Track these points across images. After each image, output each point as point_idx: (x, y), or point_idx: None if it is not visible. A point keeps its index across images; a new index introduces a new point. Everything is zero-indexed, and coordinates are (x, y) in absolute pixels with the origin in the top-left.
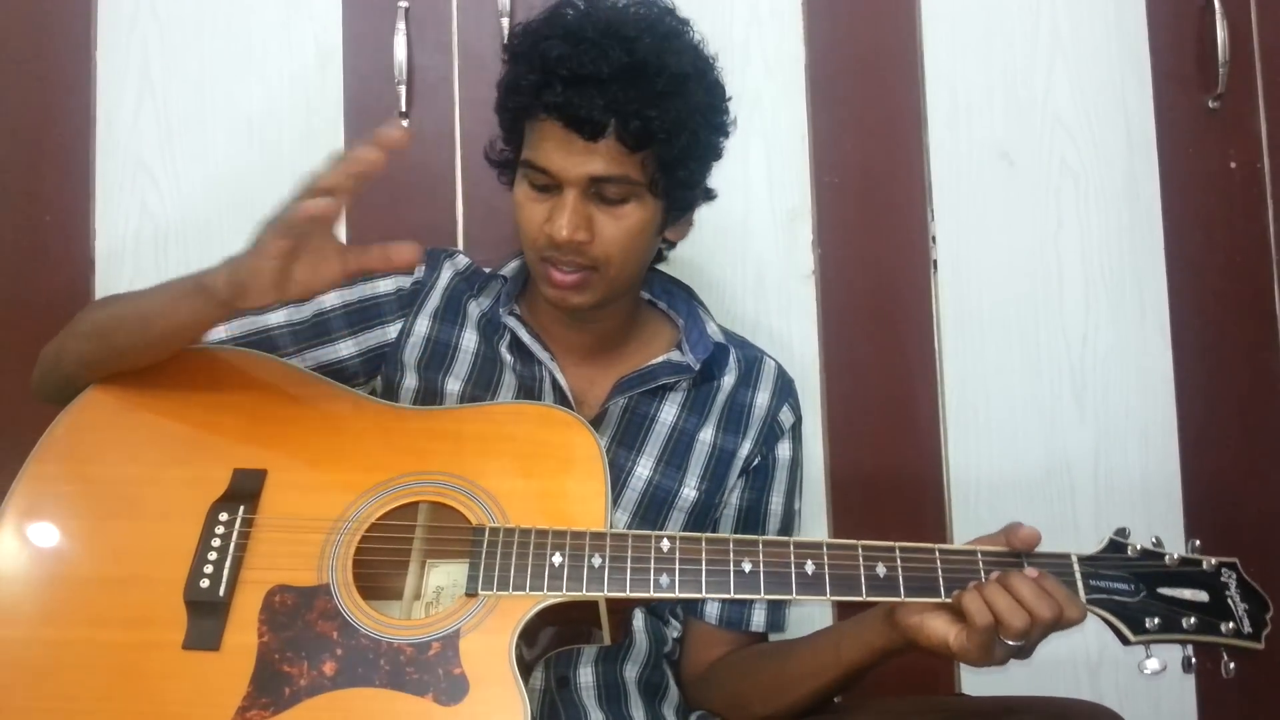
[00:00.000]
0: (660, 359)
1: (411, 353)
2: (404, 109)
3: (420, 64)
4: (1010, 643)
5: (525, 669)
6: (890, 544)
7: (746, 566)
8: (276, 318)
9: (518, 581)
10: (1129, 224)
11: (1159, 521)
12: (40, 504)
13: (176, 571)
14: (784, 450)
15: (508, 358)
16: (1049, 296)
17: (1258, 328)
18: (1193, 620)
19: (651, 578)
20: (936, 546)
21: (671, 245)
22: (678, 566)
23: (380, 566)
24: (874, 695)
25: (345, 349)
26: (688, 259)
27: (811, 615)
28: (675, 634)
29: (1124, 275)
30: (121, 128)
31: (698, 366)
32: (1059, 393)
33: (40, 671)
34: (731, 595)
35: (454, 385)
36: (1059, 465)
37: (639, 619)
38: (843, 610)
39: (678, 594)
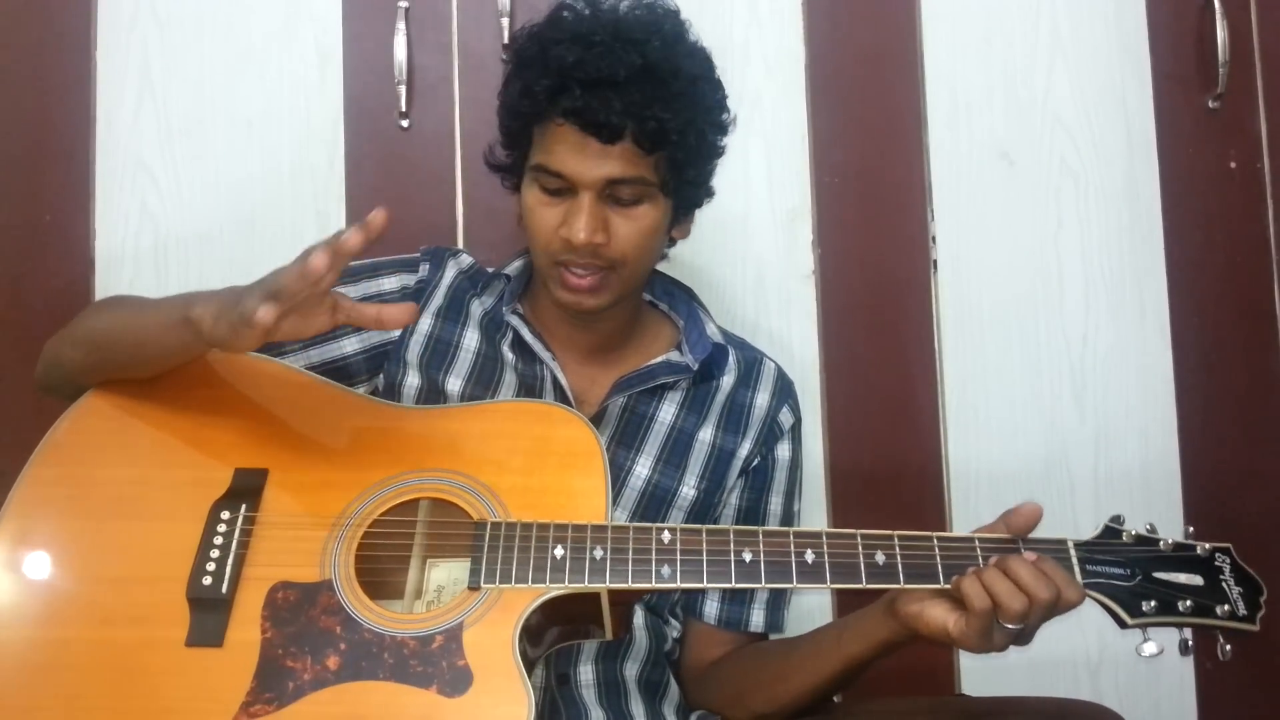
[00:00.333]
0: (660, 359)
1: (414, 350)
2: (404, 109)
3: (420, 64)
4: (1009, 626)
5: (528, 665)
6: (889, 532)
7: (747, 556)
8: None
9: (520, 574)
10: (1129, 224)
11: (1159, 521)
12: (42, 506)
13: (179, 569)
14: (783, 451)
15: (509, 356)
16: (1049, 296)
17: (1258, 328)
18: (1188, 603)
19: (653, 568)
20: (935, 534)
21: (673, 243)
22: (679, 557)
23: (382, 563)
24: (874, 695)
25: (349, 346)
26: (688, 259)
27: (811, 615)
28: (675, 633)
29: (1124, 275)
30: (121, 128)
31: (696, 367)
32: (1059, 392)
33: (44, 670)
34: (733, 584)
35: (455, 384)
36: (1059, 465)
37: (639, 616)
38: (843, 610)
39: (679, 584)
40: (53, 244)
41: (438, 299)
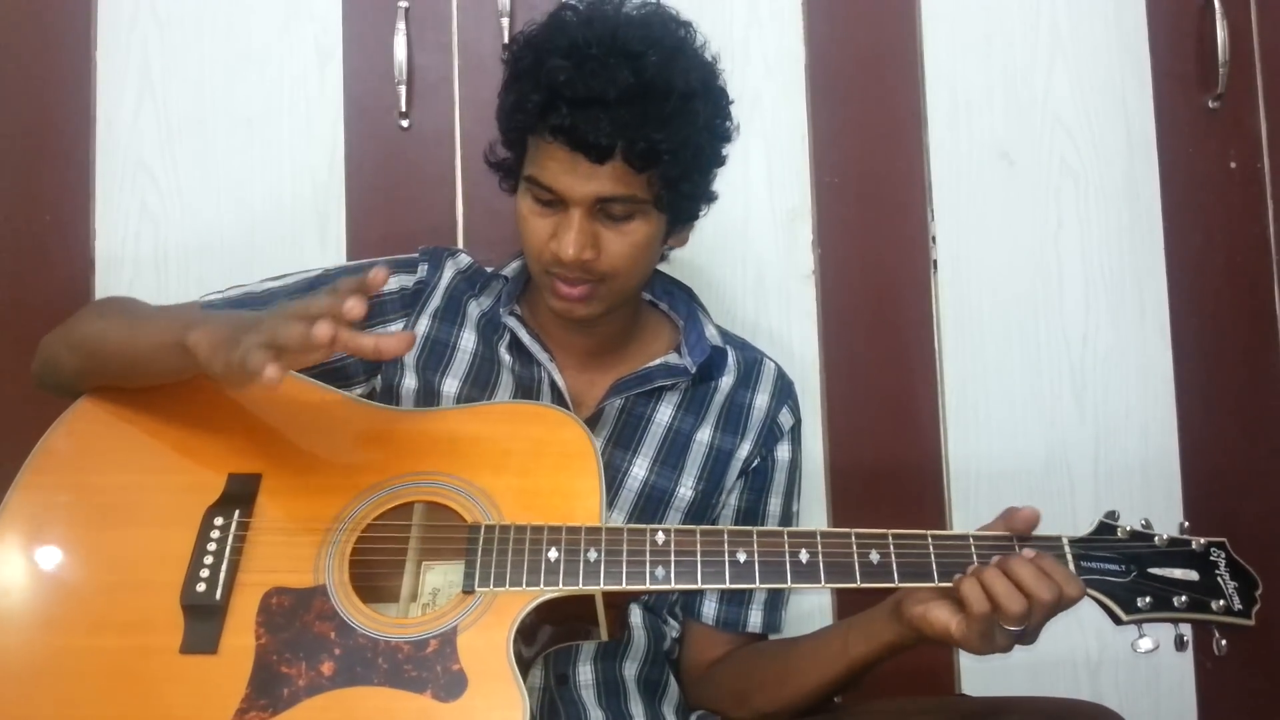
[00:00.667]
0: (657, 361)
1: (411, 353)
2: (404, 109)
3: (420, 64)
4: (1010, 628)
5: (524, 666)
6: (883, 531)
7: (741, 556)
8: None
9: (514, 577)
10: (1129, 224)
11: (1160, 521)
12: (36, 513)
13: (173, 576)
14: (783, 452)
15: (506, 358)
16: (1049, 296)
17: (1258, 328)
18: (1184, 599)
19: (647, 570)
20: (929, 533)
21: (672, 248)
22: (673, 558)
23: (377, 567)
24: (874, 695)
25: None
26: (688, 259)
27: (811, 616)
28: (674, 632)
29: (1124, 275)
30: (121, 128)
31: (694, 370)
32: (1059, 392)
33: (39, 678)
34: (728, 585)
35: (451, 385)
36: (1059, 465)
37: (637, 616)
38: (843, 611)
39: (674, 585)
40: (53, 244)
41: (435, 300)
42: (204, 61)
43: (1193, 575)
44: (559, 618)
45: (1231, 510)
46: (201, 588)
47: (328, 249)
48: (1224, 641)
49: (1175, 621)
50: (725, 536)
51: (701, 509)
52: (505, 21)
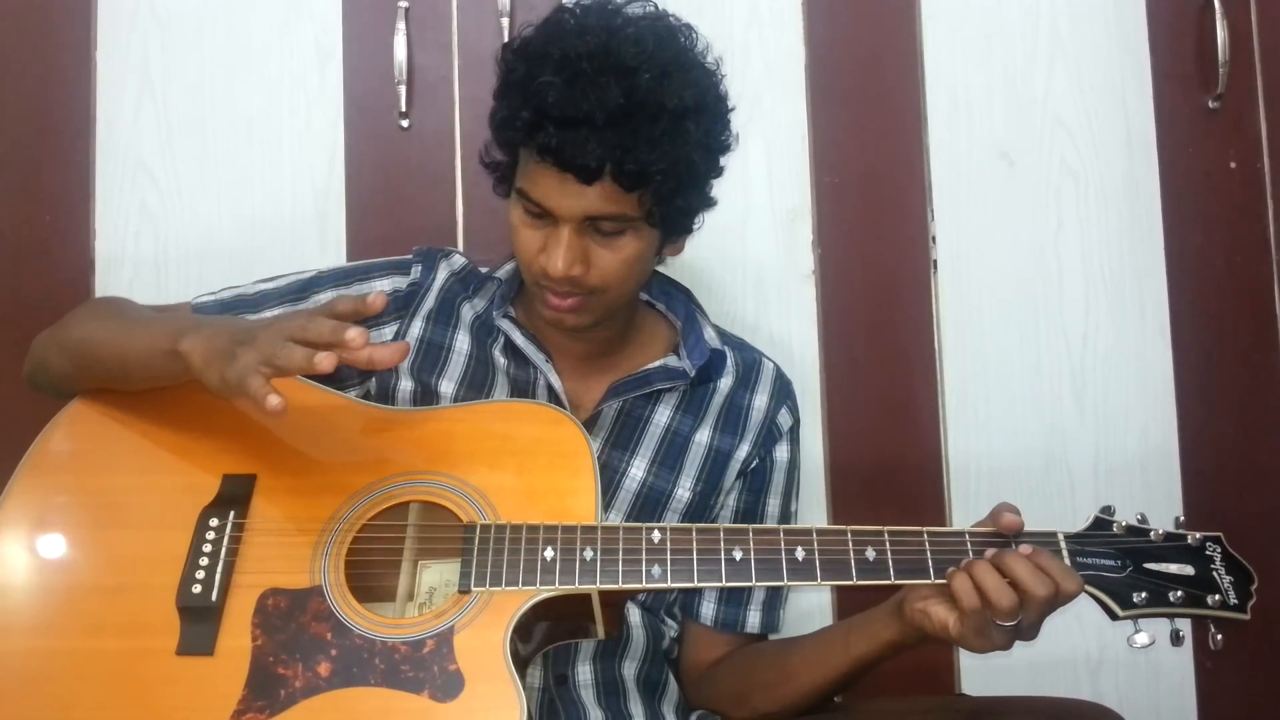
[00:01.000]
0: (656, 364)
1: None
2: (404, 109)
3: (420, 64)
4: (1004, 624)
5: (521, 665)
6: (879, 528)
7: (737, 554)
8: (272, 318)
9: (510, 576)
10: (1129, 224)
11: (1160, 520)
12: (30, 516)
13: (168, 578)
14: (782, 452)
15: (501, 361)
16: (1049, 296)
17: (1258, 328)
18: (1179, 594)
19: (643, 568)
20: (925, 529)
21: (662, 260)
22: (669, 557)
23: (373, 567)
24: (874, 695)
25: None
26: (687, 260)
27: (811, 616)
28: (673, 632)
29: (1124, 275)
30: (121, 128)
31: (693, 374)
32: (1059, 392)
33: (35, 681)
34: (723, 583)
35: (447, 387)
36: (1059, 464)
37: (635, 615)
38: (843, 611)
39: (670, 583)
40: (53, 244)
41: (429, 302)
42: (204, 61)
43: (1188, 570)
44: (555, 617)
45: (1231, 510)
46: (197, 589)
47: (327, 248)
48: (1220, 636)
49: (1171, 616)
50: (721, 535)
51: (700, 510)
52: (505, 21)
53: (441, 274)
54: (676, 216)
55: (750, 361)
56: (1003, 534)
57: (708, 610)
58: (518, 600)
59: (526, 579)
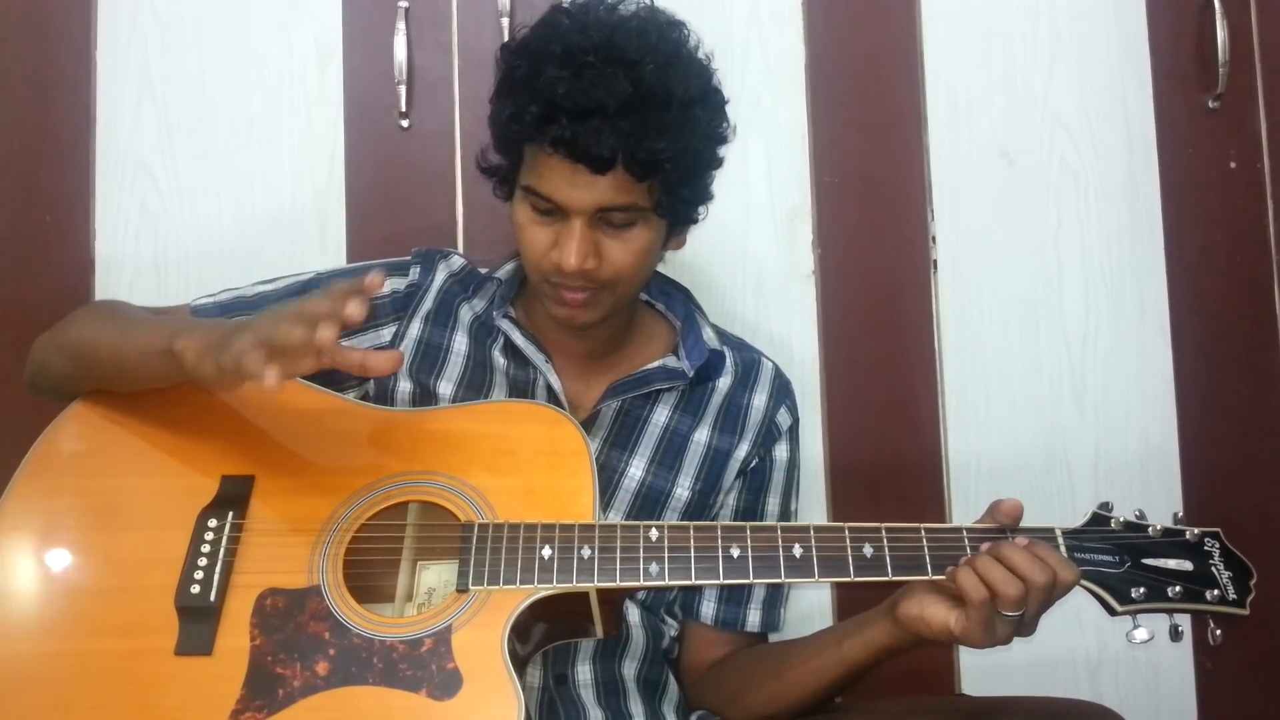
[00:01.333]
0: (655, 364)
1: (404, 356)
2: (404, 109)
3: (420, 64)
4: (1008, 614)
5: (519, 664)
6: (876, 525)
7: (735, 551)
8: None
9: (508, 575)
10: (1129, 224)
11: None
12: (29, 517)
13: (167, 579)
14: (781, 452)
15: (500, 361)
16: (1049, 296)
17: (1258, 328)
18: (1178, 589)
19: (641, 566)
20: (922, 526)
21: (670, 250)
22: (666, 554)
23: (371, 567)
24: (874, 695)
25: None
26: (687, 260)
27: (811, 617)
28: (673, 631)
29: (1124, 275)
30: (121, 128)
31: (692, 374)
32: (1059, 393)
33: (35, 681)
34: (721, 580)
35: (446, 388)
36: (1059, 465)
37: (635, 615)
38: (843, 610)
39: (668, 581)
40: (53, 244)
41: (427, 303)
42: (204, 61)
43: (1187, 565)
44: (554, 615)
45: (1231, 509)
46: (196, 589)
47: (327, 249)
48: (1219, 632)
49: (1170, 612)
50: (719, 532)
51: (699, 509)
52: (505, 21)
53: (440, 275)
54: (683, 207)
55: (749, 361)
56: (1000, 530)
57: (707, 609)
58: (516, 599)
59: (524, 578)
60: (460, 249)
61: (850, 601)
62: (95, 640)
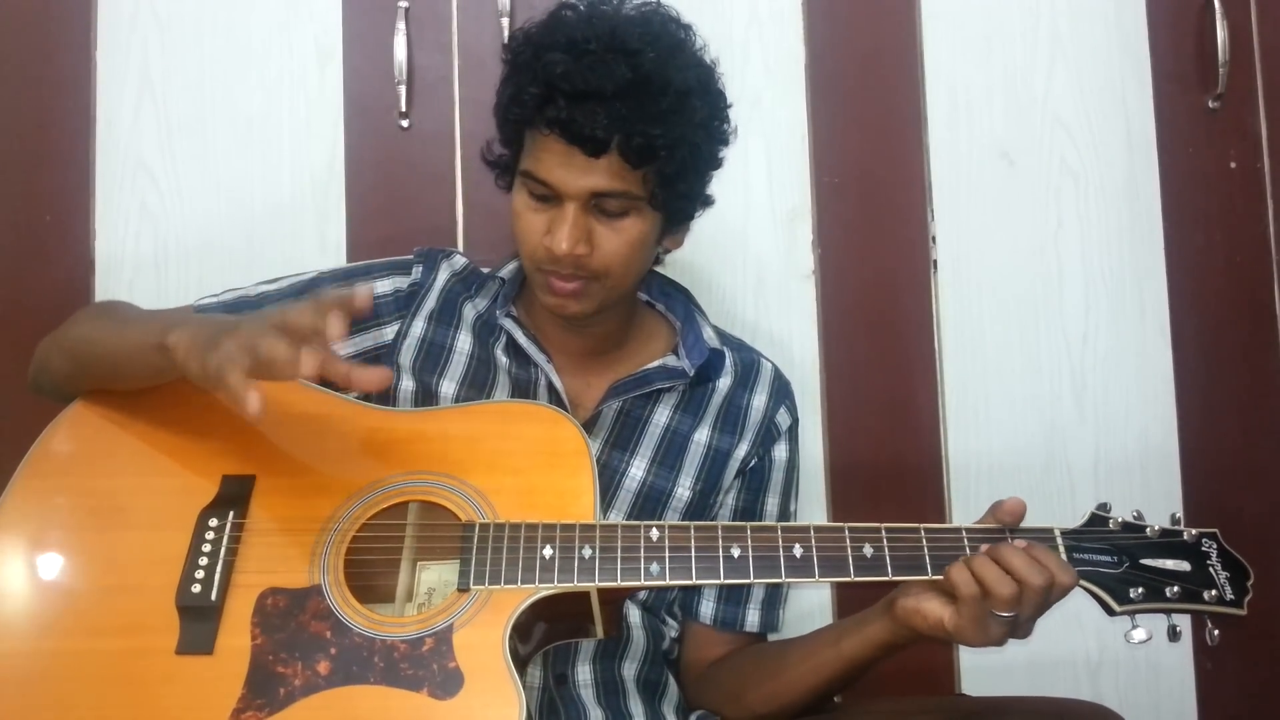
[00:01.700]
0: (655, 364)
1: (407, 355)
2: (404, 109)
3: (420, 64)
4: (1002, 614)
5: (520, 664)
6: (876, 525)
7: (735, 551)
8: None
9: (509, 575)
10: (1129, 224)
11: (1160, 519)
12: (30, 517)
13: (168, 578)
14: (780, 452)
15: (503, 360)
16: (1049, 296)
17: (1258, 328)
18: (1176, 589)
19: (642, 566)
20: (922, 526)
21: (663, 255)
22: (667, 554)
23: (372, 567)
24: (873, 695)
25: (341, 351)
26: (687, 260)
27: (811, 616)
28: (673, 632)
29: (1124, 275)
30: (121, 128)
31: (692, 373)
32: (1059, 393)
33: (35, 681)
34: (722, 580)
35: (449, 387)
36: (1059, 465)
37: (635, 615)
38: (844, 610)
39: (669, 580)
40: (53, 244)
41: (430, 302)
42: (204, 61)
43: (1184, 566)
44: (554, 615)
45: (1231, 510)
46: (196, 589)
47: (327, 249)
48: (1216, 632)
49: (1168, 612)
50: (719, 532)
51: (699, 509)
52: (505, 21)
53: (443, 274)
54: (678, 201)
55: (749, 362)
56: (1000, 531)
57: (707, 609)
58: (517, 598)
59: (525, 577)
60: (460, 249)
61: (850, 601)
62: (96, 639)
